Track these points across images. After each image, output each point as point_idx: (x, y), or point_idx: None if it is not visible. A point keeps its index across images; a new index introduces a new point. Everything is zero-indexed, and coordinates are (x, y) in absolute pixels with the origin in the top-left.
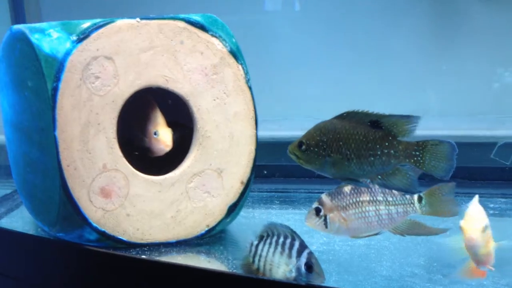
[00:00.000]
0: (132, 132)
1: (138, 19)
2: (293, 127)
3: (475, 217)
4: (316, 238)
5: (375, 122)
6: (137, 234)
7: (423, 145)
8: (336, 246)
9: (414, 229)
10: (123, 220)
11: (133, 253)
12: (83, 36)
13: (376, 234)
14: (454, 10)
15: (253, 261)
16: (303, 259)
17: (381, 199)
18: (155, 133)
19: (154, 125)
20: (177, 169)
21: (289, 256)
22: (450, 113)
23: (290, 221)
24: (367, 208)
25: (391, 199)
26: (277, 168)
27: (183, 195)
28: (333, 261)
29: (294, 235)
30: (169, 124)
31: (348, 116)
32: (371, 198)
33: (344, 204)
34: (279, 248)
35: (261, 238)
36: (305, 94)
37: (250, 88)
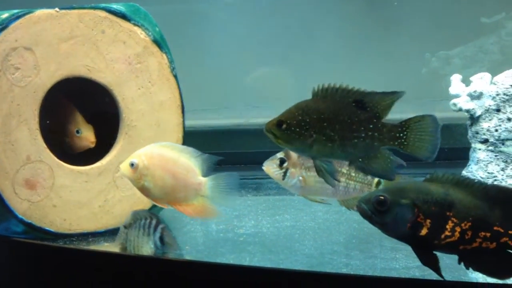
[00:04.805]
0: (55, 128)
1: (57, 8)
2: (232, 116)
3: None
4: (245, 221)
5: (359, 102)
6: (65, 224)
7: (406, 124)
8: (264, 228)
9: None
10: (50, 211)
11: (61, 243)
12: (1, 27)
13: (325, 202)
14: None
15: (126, 247)
16: (158, 234)
17: (345, 172)
18: (77, 132)
19: (75, 124)
20: (103, 159)
21: (148, 234)
22: None
23: None
24: None
25: (353, 174)
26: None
27: (111, 184)
28: (259, 242)
29: (152, 216)
30: (93, 116)
31: (328, 94)
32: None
33: (309, 165)
34: (141, 229)
35: (128, 225)
36: (244, 83)
37: (175, 76)
